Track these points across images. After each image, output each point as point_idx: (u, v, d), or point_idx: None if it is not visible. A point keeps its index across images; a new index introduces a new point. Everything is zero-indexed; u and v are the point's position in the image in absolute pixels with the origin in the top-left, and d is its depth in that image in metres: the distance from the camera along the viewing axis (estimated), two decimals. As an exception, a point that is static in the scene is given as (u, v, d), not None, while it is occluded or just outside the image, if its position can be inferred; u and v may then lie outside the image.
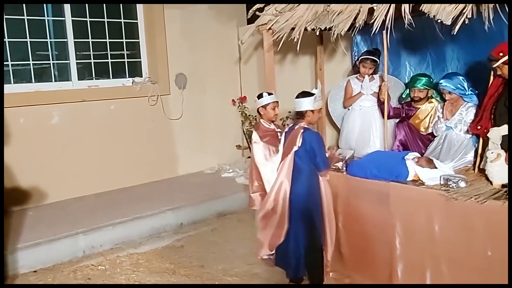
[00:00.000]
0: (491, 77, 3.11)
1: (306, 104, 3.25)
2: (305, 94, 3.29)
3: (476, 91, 3.43)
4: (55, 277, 3.75)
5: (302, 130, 3.24)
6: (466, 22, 2.74)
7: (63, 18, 5.14)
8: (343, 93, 4.38)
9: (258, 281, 3.58)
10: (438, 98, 3.78)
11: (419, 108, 3.86)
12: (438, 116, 3.68)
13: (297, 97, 3.32)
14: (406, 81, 4.23)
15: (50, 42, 5.14)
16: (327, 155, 3.33)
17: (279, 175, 3.32)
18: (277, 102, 3.72)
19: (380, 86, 4.11)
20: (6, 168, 4.49)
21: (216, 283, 3.60)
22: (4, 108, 4.46)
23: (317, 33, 3.78)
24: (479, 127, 3.14)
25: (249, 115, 6.11)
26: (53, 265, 3.93)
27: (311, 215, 3.25)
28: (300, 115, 3.31)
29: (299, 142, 3.23)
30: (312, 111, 3.26)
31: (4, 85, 4.65)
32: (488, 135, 2.95)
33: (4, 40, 4.72)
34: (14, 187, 4.64)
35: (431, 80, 3.75)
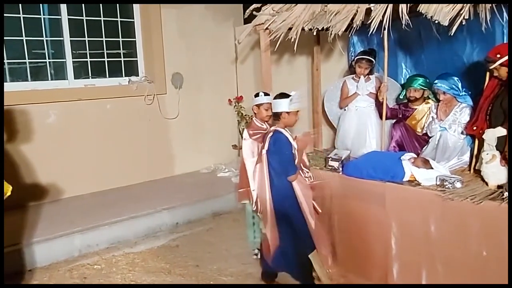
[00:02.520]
0: (487, 78, 3.13)
1: (281, 106, 3.23)
2: (282, 95, 3.26)
3: (470, 92, 3.45)
4: (51, 276, 3.73)
5: (271, 134, 3.26)
6: (463, 23, 2.75)
7: (59, 17, 5.12)
8: (340, 93, 4.39)
9: (253, 281, 3.58)
10: (434, 99, 3.80)
11: (416, 108, 3.87)
12: (432, 116, 3.70)
13: (275, 97, 3.30)
14: (402, 82, 4.25)
15: (46, 40, 5.11)
16: (296, 141, 3.27)
17: (257, 178, 3.33)
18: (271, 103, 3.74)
19: (376, 87, 4.12)
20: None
21: (211, 282, 3.60)
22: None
23: (314, 33, 3.79)
24: (475, 128, 3.16)
25: (245, 115, 6.11)
26: (49, 264, 3.91)
27: (287, 217, 3.24)
28: (276, 116, 3.29)
29: (267, 145, 3.26)
30: (288, 113, 3.22)
31: (0, 83, 4.63)
32: (483, 136, 2.97)
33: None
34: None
35: (428, 80, 3.76)
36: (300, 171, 3.28)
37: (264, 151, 3.28)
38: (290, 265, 3.34)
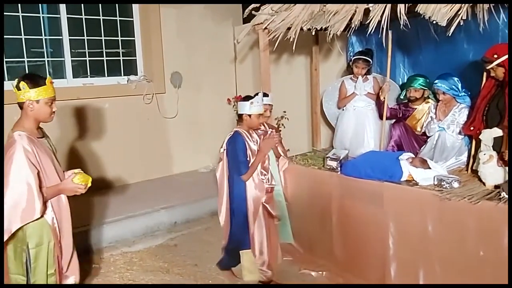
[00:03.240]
0: (484, 79, 3.14)
1: (243, 108, 3.34)
2: (246, 98, 3.38)
3: (469, 93, 3.46)
4: (48, 275, 3.73)
5: (231, 134, 3.39)
6: (461, 24, 2.76)
7: (58, 16, 5.12)
8: (338, 93, 4.40)
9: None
10: (434, 98, 3.81)
11: (415, 108, 3.88)
12: (431, 116, 3.71)
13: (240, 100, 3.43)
14: (400, 83, 4.26)
15: (45, 39, 5.11)
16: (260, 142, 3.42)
17: (218, 175, 3.50)
18: (270, 105, 3.76)
19: (373, 87, 4.14)
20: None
21: (210, 282, 3.60)
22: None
23: (313, 33, 3.80)
24: (472, 128, 3.17)
25: (245, 115, 6.11)
26: (46, 263, 3.91)
27: (233, 213, 3.41)
28: (240, 118, 3.41)
29: (224, 144, 3.40)
30: (249, 115, 3.32)
31: (-1, 82, 4.62)
32: (480, 137, 2.98)
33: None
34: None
35: (428, 80, 3.77)
36: (259, 172, 3.39)
37: (222, 150, 3.43)
38: (226, 256, 3.59)
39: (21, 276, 2.50)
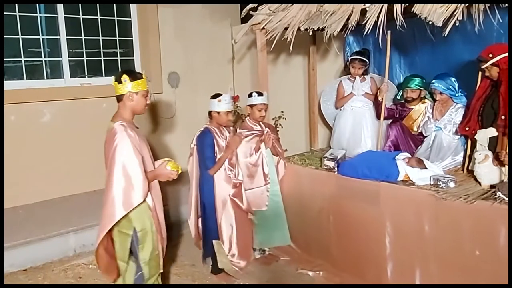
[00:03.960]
0: (479, 79, 3.15)
1: (212, 105, 3.51)
2: (214, 95, 3.53)
3: (466, 93, 3.47)
4: (45, 276, 3.73)
5: (199, 132, 3.54)
6: (457, 24, 2.77)
7: (55, 15, 5.11)
8: (335, 94, 4.41)
9: (250, 280, 3.59)
10: (430, 98, 3.82)
11: (412, 108, 3.90)
12: (427, 116, 3.72)
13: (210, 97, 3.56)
14: (396, 83, 4.27)
15: (43, 39, 5.09)
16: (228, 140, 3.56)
17: (189, 169, 3.66)
18: (265, 104, 3.78)
19: (371, 87, 4.15)
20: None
21: (207, 282, 3.61)
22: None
23: (310, 33, 3.81)
24: (467, 128, 3.18)
25: (242, 115, 6.11)
26: (43, 263, 3.91)
27: (203, 207, 3.58)
28: (210, 115, 3.56)
29: (193, 141, 3.57)
30: (218, 112, 3.48)
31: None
32: (475, 137, 2.99)
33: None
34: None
35: (424, 80, 3.78)
36: (226, 167, 3.53)
37: (192, 145, 3.59)
38: (204, 248, 3.70)
39: (122, 262, 2.68)
